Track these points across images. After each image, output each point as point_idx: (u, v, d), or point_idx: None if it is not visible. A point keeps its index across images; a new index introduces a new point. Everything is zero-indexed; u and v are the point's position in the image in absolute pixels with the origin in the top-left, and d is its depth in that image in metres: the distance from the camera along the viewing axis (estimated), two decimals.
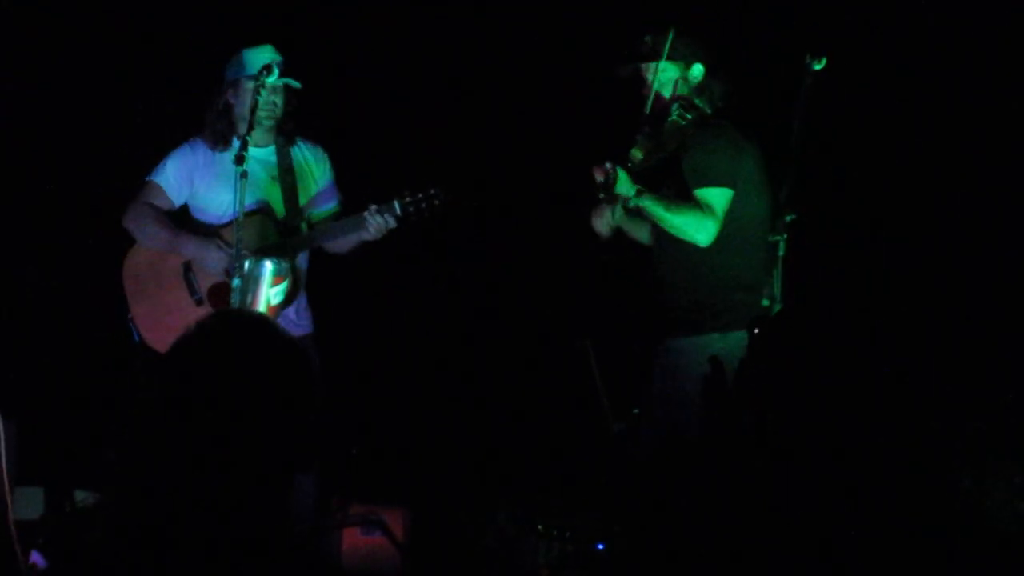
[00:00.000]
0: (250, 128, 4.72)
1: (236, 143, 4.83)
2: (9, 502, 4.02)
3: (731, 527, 3.24)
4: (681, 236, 4.46)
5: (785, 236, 4.17)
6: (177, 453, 2.02)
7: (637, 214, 4.58)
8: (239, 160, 4.57)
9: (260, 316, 2.12)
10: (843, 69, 4.59)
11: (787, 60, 4.44)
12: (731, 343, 4.48)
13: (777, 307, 4.13)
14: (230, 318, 2.11)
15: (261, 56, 4.85)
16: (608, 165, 4.38)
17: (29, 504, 5.04)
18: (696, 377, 4.51)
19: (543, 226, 5.72)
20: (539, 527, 5.18)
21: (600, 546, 4.95)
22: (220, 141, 4.95)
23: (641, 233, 4.78)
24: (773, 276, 4.17)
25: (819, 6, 5.14)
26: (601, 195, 4.40)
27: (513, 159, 5.82)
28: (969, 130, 5.12)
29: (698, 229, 4.45)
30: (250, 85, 4.83)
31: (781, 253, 4.15)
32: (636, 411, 4.62)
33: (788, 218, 4.16)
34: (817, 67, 4.26)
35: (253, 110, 4.73)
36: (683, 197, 4.49)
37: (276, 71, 4.71)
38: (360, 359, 5.78)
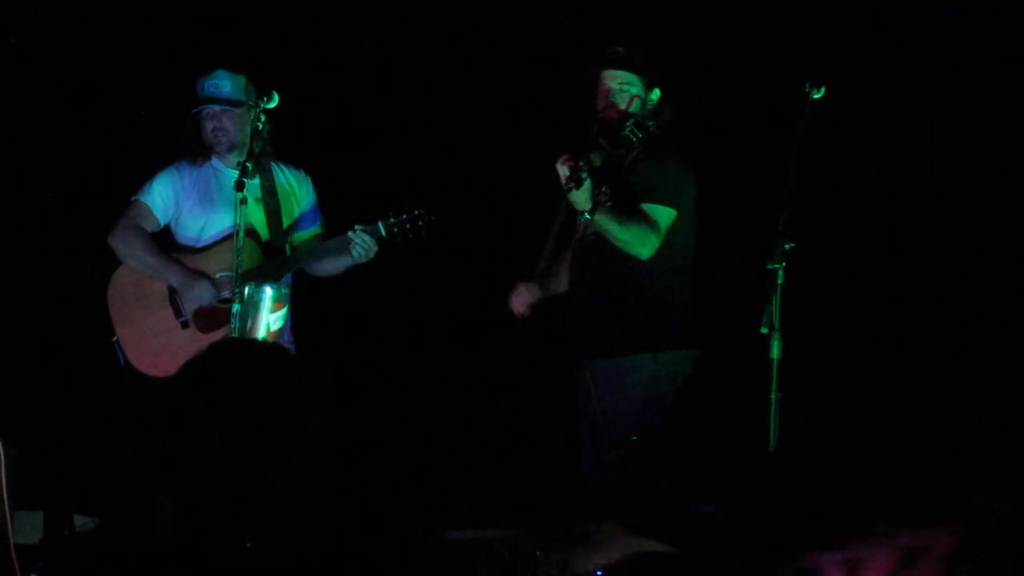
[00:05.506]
0: (250, 154, 4.78)
1: (215, 161, 4.98)
2: (9, 526, 4.02)
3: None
4: (626, 249, 4.54)
5: (784, 264, 4.19)
6: (179, 479, 2.02)
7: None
8: (239, 186, 4.63)
9: (274, 345, 2.12)
10: (842, 98, 4.62)
11: (786, 88, 4.47)
12: (662, 364, 4.55)
13: (777, 335, 4.15)
14: (242, 347, 2.11)
15: (207, 84, 4.96)
16: (582, 163, 4.42)
17: (29, 528, 5.03)
18: (634, 397, 4.57)
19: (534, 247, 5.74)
20: (537, 554, 5.16)
21: (599, 573, 4.93)
22: (197, 159, 5.03)
23: (558, 287, 4.86)
24: (772, 304, 4.19)
25: (818, 36, 5.17)
26: (569, 187, 4.43)
27: (499, 176, 5.85)
28: (967, 156, 5.14)
29: (644, 243, 4.54)
30: (202, 111, 4.94)
31: (780, 281, 4.16)
32: (635, 438, 4.62)
33: (787, 246, 4.18)
34: (816, 95, 4.30)
35: (254, 136, 4.80)
36: (627, 210, 4.55)
37: (276, 96, 4.76)
38: (350, 382, 5.78)
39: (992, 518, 3.32)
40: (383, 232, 4.86)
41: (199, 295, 4.87)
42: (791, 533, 3.70)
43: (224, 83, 4.98)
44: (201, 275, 4.90)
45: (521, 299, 4.80)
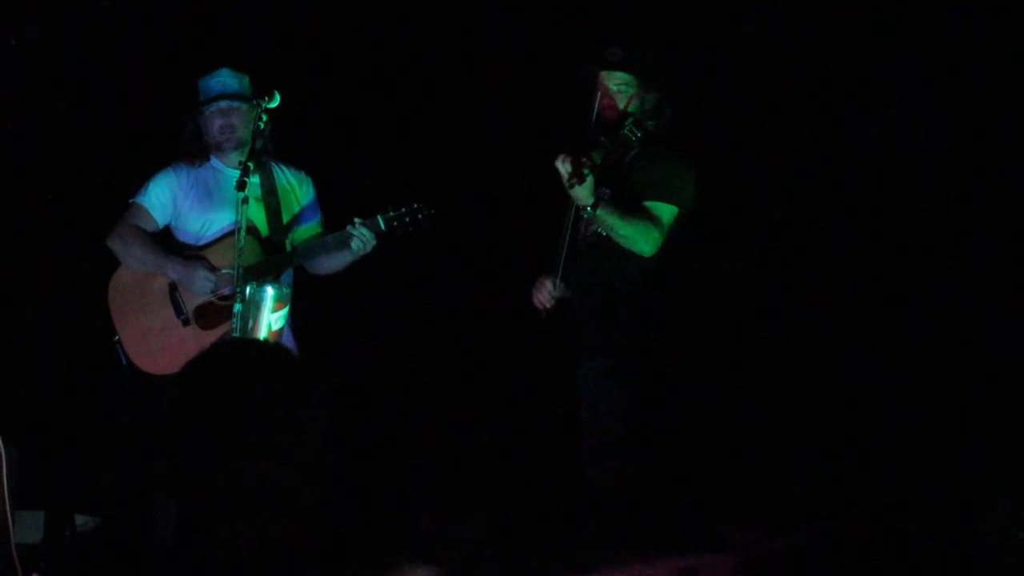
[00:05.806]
0: (252, 153, 4.80)
1: (214, 161, 5.01)
2: (10, 526, 4.03)
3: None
4: (629, 246, 4.54)
5: None
6: (179, 479, 2.03)
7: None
8: (241, 185, 4.65)
9: (275, 345, 2.12)
10: (842, 97, 4.62)
11: (786, 88, 4.48)
12: (656, 363, 4.55)
13: None
14: (243, 347, 2.11)
15: (213, 82, 4.96)
16: (584, 159, 4.43)
17: (30, 528, 5.04)
18: (629, 397, 4.57)
19: (535, 245, 5.75)
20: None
21: None
22: (195, 159, 5.05)
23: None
24: None
25: (819, 35, 5.18)
26: (572, 183, 4.43)
27: (496, 170, 5.86)
28: (967, 156, 5.15)
29: (646, 240, 4.54)
30: (205, 111, 4.97)
31: None
32: (632, 436, 4.62)
33: None
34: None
35: (255, 135, 4.81)
36: (629, 206, 4.55)
37: (277, 96, 4.77)
38: (351, 381, 5.78)
39: (760, 549, 3.38)
40: (382, 226, 4.88)
41: (200, 285, 4.88)
42: (562, 556, 3.73)
43: (231, 80, 4.99)
44: (199, 264, 4.90)
45: (545, 293, 4.78)
